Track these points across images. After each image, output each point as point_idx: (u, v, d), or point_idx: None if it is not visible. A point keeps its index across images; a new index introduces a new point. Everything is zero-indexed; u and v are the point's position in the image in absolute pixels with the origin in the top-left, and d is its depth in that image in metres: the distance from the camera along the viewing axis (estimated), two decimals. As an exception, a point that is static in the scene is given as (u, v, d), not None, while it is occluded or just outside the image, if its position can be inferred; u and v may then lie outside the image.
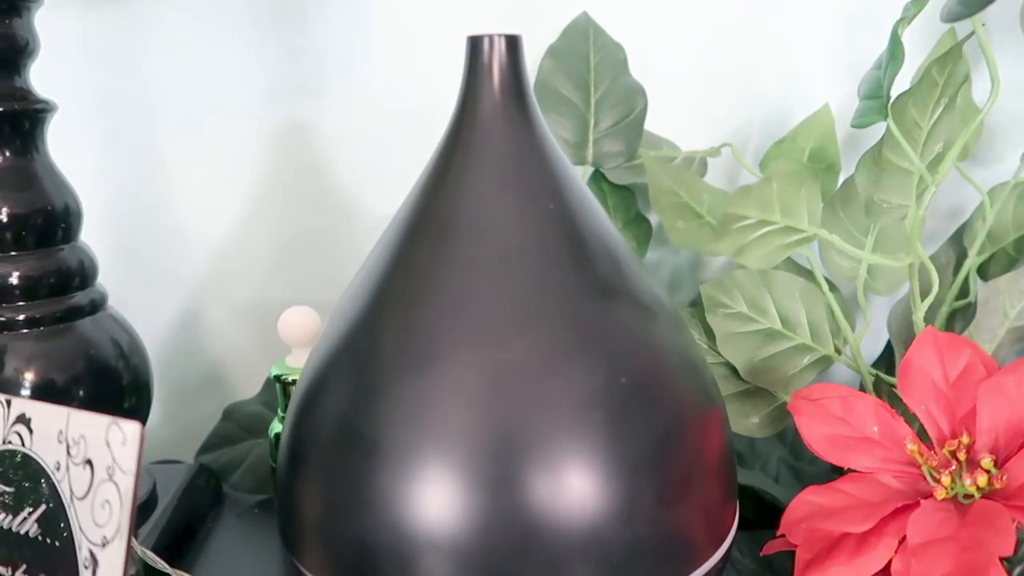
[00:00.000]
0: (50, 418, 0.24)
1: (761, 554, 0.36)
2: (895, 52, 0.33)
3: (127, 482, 0.23)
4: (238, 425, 0.48)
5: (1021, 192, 0.45)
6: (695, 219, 0.46)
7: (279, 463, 0.31)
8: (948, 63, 0.32)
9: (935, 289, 0.36)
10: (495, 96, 0.29)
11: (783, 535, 0.35)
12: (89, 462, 0.23)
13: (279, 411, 0.41)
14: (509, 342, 0.27)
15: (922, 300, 0.37)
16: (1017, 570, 0.38)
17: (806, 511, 0.31)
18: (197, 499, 0.43)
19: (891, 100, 0.34)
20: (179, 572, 0.30)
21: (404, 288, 0.29)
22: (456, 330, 0.27)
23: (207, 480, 0.44)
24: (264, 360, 0.51)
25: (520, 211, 0.29)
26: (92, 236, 0.39)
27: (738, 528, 0.50)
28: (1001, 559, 0.27)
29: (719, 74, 0.53)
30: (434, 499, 0.26)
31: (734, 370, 0.41)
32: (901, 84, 0.35)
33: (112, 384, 0.37)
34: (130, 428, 0.23)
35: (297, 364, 0.40)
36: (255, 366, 0.53)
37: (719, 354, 0.41)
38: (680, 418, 0.28)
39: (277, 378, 0.40)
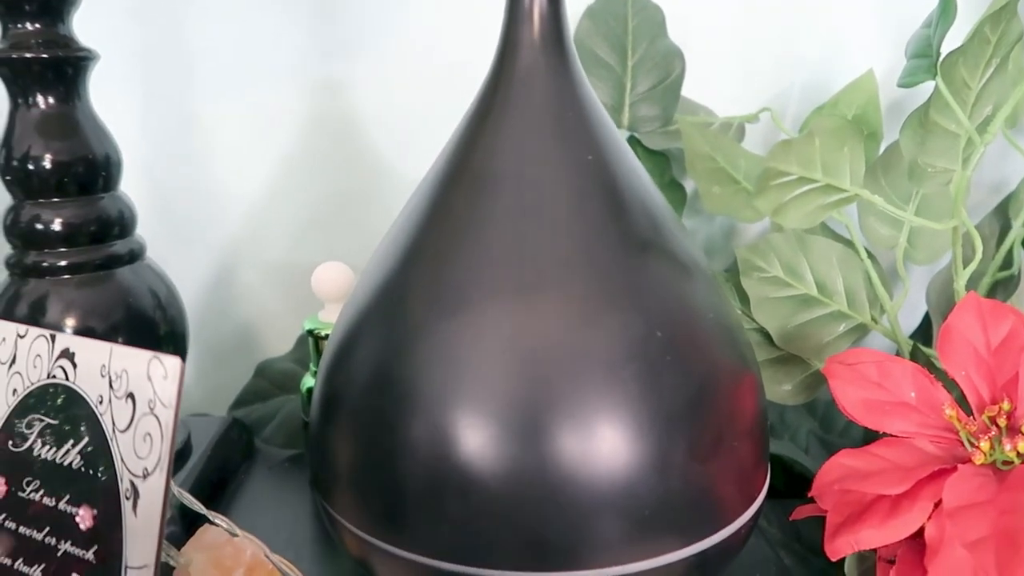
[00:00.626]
0: (93, 353, 0.25)
1: (790, 519, 0.36)
2: (947, 7, 0.32)
3: (168, 415, 0.23)
4: (270, 381, 0.48)
5: (1070, 162, 0.44)
6: (731, 184, 0.46)
7: (312, 412, 0.32)
8: (1002, 20, 0.31)
9: (978, 256, 0.35)
10: (535, 44, 0.29)
11: (813, 501, 0.35)
12: (131, 396, 0.24)
13: (311, 366, 0.41)
14: (544, 291, 0.27)
15: (964, 268, 0.36)
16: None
17: (839, 473, 0.31)
18: (230, 451, 0.44)
19: (940, 58, 0.33)
20: (214, 514, 0.30)
21: (439, 237, 0.29)
22: (491, 278, 0.27)
23: (239, 433, 0.45)
24: (296, 319, 0.52)
25: (558, 161, 0.28)
26: (127, 192, 0.40)
27: (766, 497, 0.50)
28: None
29: (759, 37, 0.52)
30: (465, 446, 0.26)
31: (768, 336, 0.41)
32: (951, 43, 0.34)
33: (150, 333, 0.38)
34: (171, 363, 0.23)
35: (330, 319, 0.40)
36: (287, 325, 0.54)
37: (753, 320, 0.40)
38: (715, 375, 0.28)
39: (310, 332, 0.40)
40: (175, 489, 0.31)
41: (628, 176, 0.30)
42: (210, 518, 0.30)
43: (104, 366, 0.24)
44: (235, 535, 0.30)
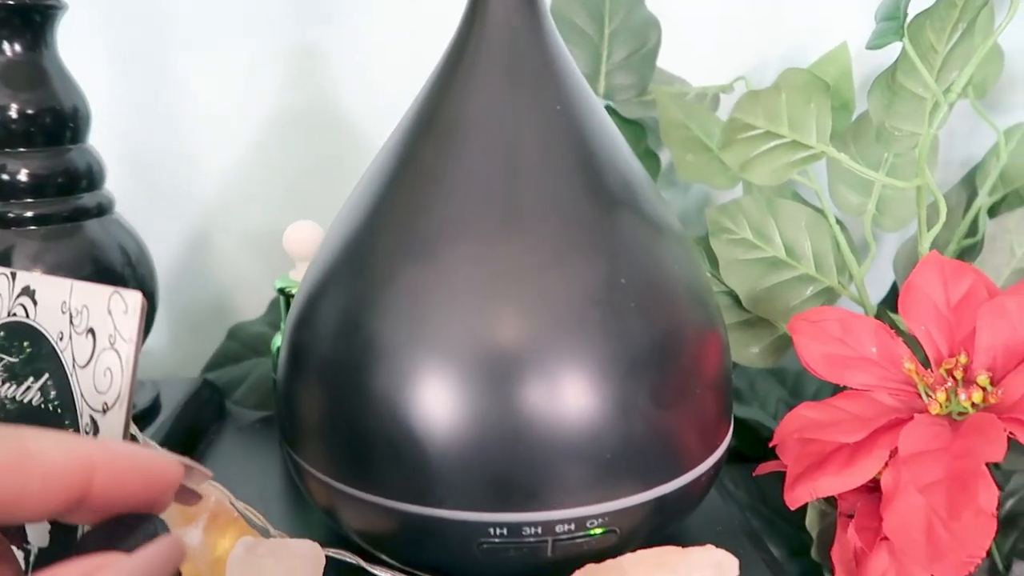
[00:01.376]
0: (54, 289, 0.25)
1: (754, 475, 0.37)
2: (913, -30, 0.33)
3: (128, 350, 0.23)
4: (242, 344, 0.48)
5: (1037, 133, 0.44)
6: (704, 152, 0.46)
7: (279, 364, 0.32)
8: (967, -17, 0.32)
9: (942, 219, 0.36)
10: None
11: (776, 458, 0.35)
12: (91, 331, 0.24)
13: (282, 325, 0.41)
14: (509, 237, 0.27)
15: (928, 231, 0.37)
16: (1009, 502, 0.39)
17: (799, 424, 0.31)
18: (200, 411, 0.44)
19: (908, 20, 0.33)
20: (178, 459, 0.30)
21: (407, 186, 0.29)
22: (457, 225, 0.27)
23: (210, 394, 0.45)
24: (270, 286, 0.52)
25: (526, 110, 0.29)
26: (101, 156, 0.40)
27: (734, 462, 0.51)
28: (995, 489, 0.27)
29: (736, 8, 0.52)
30: (430, 389, 0.26)
31: (736, 299, 0.41)
32: (921, 6, 0.34)
33: (118, 289, 0.37)
34: (131, 297, 0.23)
35: (300, 278, 0.40)
36: (263, 291, 0.53)
37: (722, 282, 0.41)
38: (679, 325, 0.28)
39: (281, 291, 0.40)
40: (139, 435, 0.31)
41: (597, 128, 0.30)
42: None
43: (65, 302, 0.24)
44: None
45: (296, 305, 0.31)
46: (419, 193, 0.28)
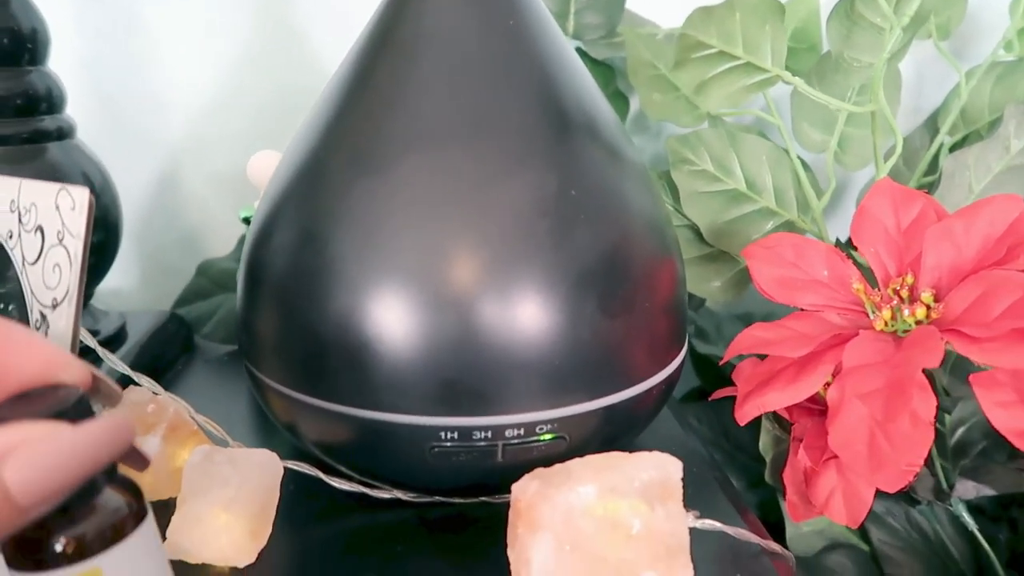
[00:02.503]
0: (2, 189, 0.25)
1: (708, 399, 0.37)
2: None
3: (76, 245, 0.23)
4: (211, 280, 0.48)
5: (999, 73, 0.45)
6: (672, 92, 0.46)
7: (239, 281, 0.32)
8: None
9: (899, 149, 0.36)
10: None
11: (732, 384, 0.36)
12: (40, 229, 0.24)
13: (248, 255, 0.42)
14: (459, 149, 0.27)
15: (885, 162, 0.37)
16: (959, 431, 0.40)
17: (750, 343, 0.32)
18: (166, 343, 0.44)
19: (866, -52, 0.34)
20: (137, 374, 0.30)
21: (361, 103, 0.29)
22: (408, 139, 0.28)
23: (178, 327, 0.45)
24: (241, 226, 0.52)
25: (479, 24, 0.29)
26: (69, 99, 0.39)
27: (697, 399, 0.52)
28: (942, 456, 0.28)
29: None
30: (383, 298, 0.26)
31: (697, 233, 0.42)
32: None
33: (81, 215, 0.37)
34: (79, 193, 0.23)
35: (266, 208, 0.40)
36: (231, 230, 0.54)
37: (683, 216, 0.41)
38: (630, 241, 0.29)
39: (246, 220, 0.40)
40: (101, 351, 0.31)
41: (554, 49, 0.30)
42: (133, 378, 0.30)
43: (13, 201, 0.24)
44: (157, 394, 0.30)
45: (254, 224, 0.31)
46: (372, 109, 0.29)
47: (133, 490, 0.18)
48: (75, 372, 0.19)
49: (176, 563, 0.27)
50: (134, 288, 0.55)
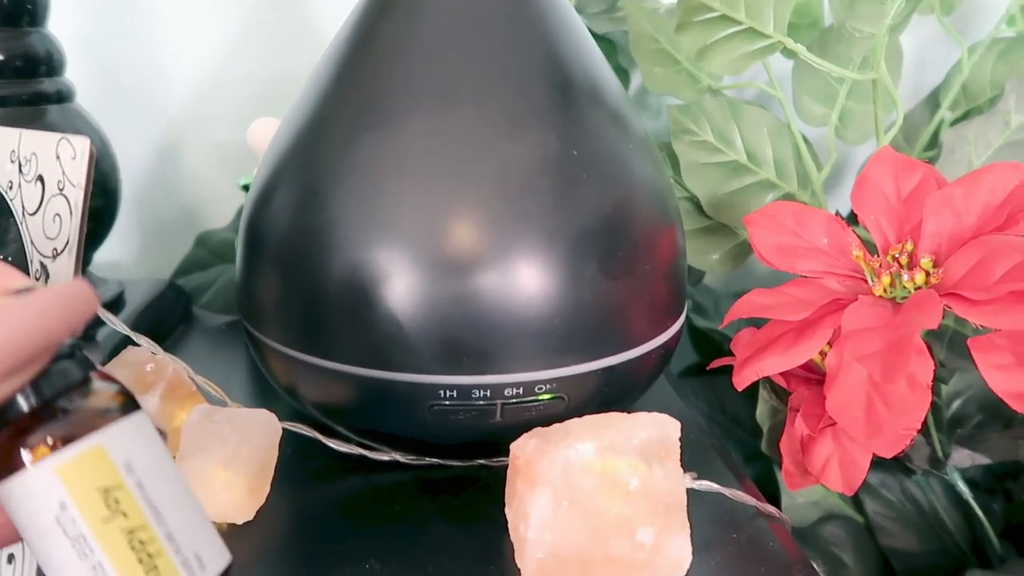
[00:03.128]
0: (2, 140, 0.25)
1: (707, 368, 0.37)
2: None
3: (77, 195, 0.23)
4: (210, 251, 0.48)
5: (1002, 49, 0.45)
6: (673, 65, 0.46)
7: (239, 243, 0.32)
8: None
9: (899, 120, 0.36)
10: None
11: (730, 352, 0.36)
12: (40, 178, 0.24)
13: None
14: (462, 106, 0.27)
15: (885, 133, 0.37)
16: (956, 403, 0.40)
17: (750, 308, 0.32)
18: (165, 311, 0.44)
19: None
20: (136, 334, 0.30)
21: (363, 62, 0.29)
22: (412, 94, 0.27)
23: (176, 297, 0.45)
24: (239, 194, 0.52)
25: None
26: (70, 64, 0.39)
27: (696, 374, 0.52)
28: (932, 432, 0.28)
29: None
30: (384, 256, 0.26)
31: (697, 205, 0.42)
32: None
33: (80, 179, 0.37)
34: (80, 143, 0.23)
35: (265, 176, 0.40)
36: (231, 201, 0.53)
37: (684, 187, 0.41)
38: (631, 202, 0.29)
39: (245, 187, 0.40)
40: (100, 311, 0.31)
41: (560, 16, 0.30)
42: (132, 338, 0.30)
43: (14, 151, 0.24)
44: (156, 354, 0.30)
45: (255, 185, 0.31)
46: (376, 69, 0.29)
47: (119, 386, 0.18)
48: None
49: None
50: (133, 259, 0.55)
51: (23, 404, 0.16)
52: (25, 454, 0.16)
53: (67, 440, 0.16)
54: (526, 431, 0.27)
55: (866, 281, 0.32)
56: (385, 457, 0.31)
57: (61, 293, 0.16)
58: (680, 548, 0.25)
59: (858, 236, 0.34)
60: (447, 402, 0.27)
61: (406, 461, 0.31)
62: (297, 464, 0.32)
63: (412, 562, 0.26)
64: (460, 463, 0.31)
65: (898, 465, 0.39)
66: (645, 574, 0.25)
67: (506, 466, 0.29)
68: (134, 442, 0.17)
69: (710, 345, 0.49)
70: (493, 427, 0.28)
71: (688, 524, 0.26)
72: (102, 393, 0.17)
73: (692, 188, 0.40)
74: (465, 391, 0.27)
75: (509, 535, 0.26)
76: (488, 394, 0.27)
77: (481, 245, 0.26)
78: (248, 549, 0.27)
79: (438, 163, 0.27)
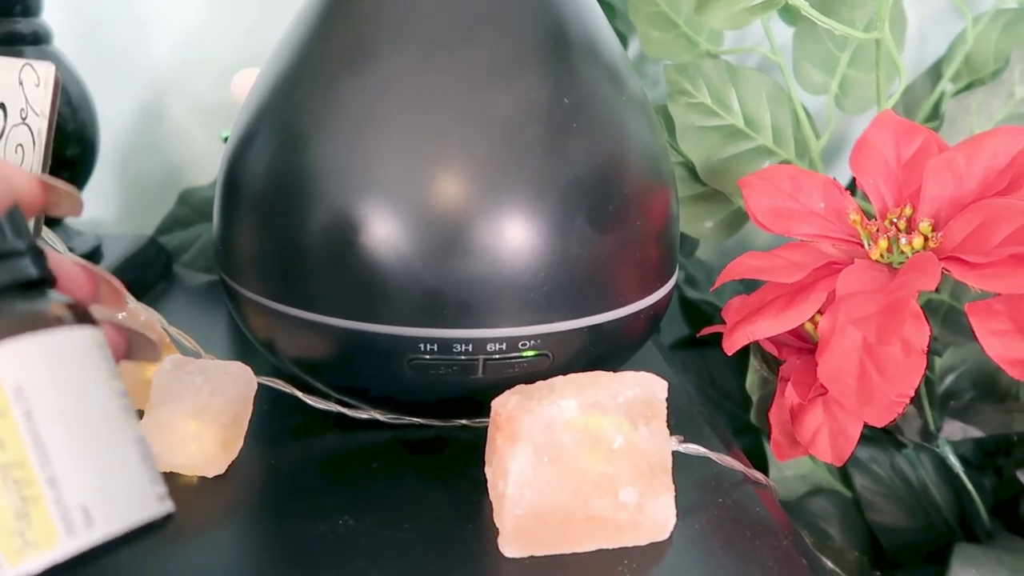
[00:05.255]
0: (-36, 66, 0.23)
1: (697, 335, 0.37)
2: None
3: (40, 123, 0.22)
4: (192, 209, 0.47)
5: (1006, 21, 0.44)
6: (671, 30, 0.45)
7: (216, 193, 0.31)
8: None
9: (903, 83, 0.35)
10: None
11: (722, 321, 0.35)
12: (2, 106, 0.23)
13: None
14: (450, 48, 0.26)
15: (888, 100, 0.36)
16: (949, 378, 0.39)
17: (742, 271, 0.31)
18: (144, 268, 0.43)
19: None
20: (109, 276, 0.29)
21: (348, 2, 0.28)
22: (397, 36, 0.26)
23: (156, 253, 0.44)
24: (223, 150, 0.51)
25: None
26: (51, 15, 0.38)
27: (686, 347, 0.51)
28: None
29: None
30: (366, 203, 0.25)
31: (692, 172, 0.41)
32: None
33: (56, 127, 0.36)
34: (44, 69, 0.22)
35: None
36: (214, 159, 0.52)
37: (680, 152, 0.40)
38: (623, 155, 0.28)
39: (227, 140, 0.39)
40: (70, 257, 0.30)
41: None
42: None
43: (-25, 78, 0.23)
44: (128, 303, 0.29)
45: (234, 133, 0.30)
46: (360, 10, 0.27)
47: (70, 305, 0.16)
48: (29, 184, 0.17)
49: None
50: (114, 218, 0.54)
51: None
52: None
53: None
54: (508, 388, 0.27)
55: (862, 245, 0.31)
56: (364, 415, 0.30)
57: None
58: (664, 510, 0.24)
59: (855, 201, 0.33)
60: (427, 356, 0.26)
61: (385, 420, 0.30)
62: (274, 421, 0.31)
63: (388, 519, 0.25)
64: (440, 423, 0.30)
65: (888, 439, 0.38)
66: (627, 534, 0.24)
67: (487, 427, 0.28)
68: (41, 366, 0.15)
69: (701, 316, 0.48)
70: (475, 384, 0.27)
71: (672, 486, 0.25)
72: (30, 307, 0.15)
73: (687, 152, 0.39)
74: (446, 345, 0.26)
75: (488, 494, 0.25)
76: (470, 349, 0.26)
77: (466, 193, 0.25)
78: (219, 504, 0.26)
79: (423, 107, 0.26)
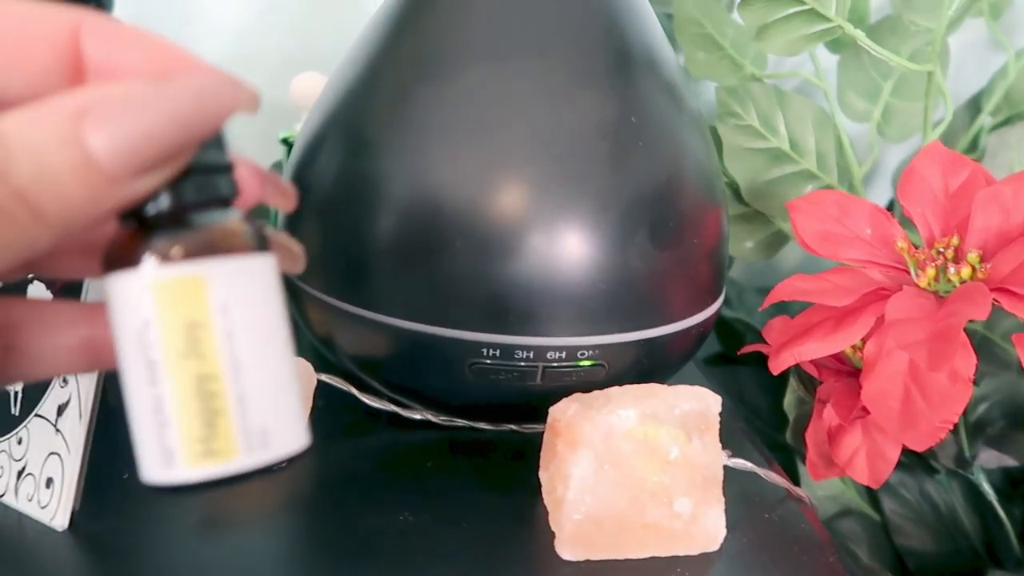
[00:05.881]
0: None
1: (738, 353, 0.37)
2: None
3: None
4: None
5: (1048, 58, 0.45)
6: (716, 51, 0.46)
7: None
8: None
9: (949, 116, 0.36)
10: None
11: (761, 339, 0.36)
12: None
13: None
14: (523, 63, 0.27)
15: (933, 129, 0.37)
16: (981, 407, 0.40)
17: (791, 292, 0.32)
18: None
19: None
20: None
21: (422, 15, 0.29)
22: (472, 49, 0.27)
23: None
24: (277, 149, 0.51)
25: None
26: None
27: (718, 364, 0.52)
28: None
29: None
30: (435, 209, 0.26)
31: (736, 191, 0.41)
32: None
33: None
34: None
35: (305, 131, 0.40)
36: (266, 160, 0.53)
37: (724, 172, 0.41)
38: (684, 175, 0.29)
39: (284, 140, 0.40)
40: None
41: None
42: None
43: None
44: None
45: (302, 135, 0.31)
46: (435, 23, 0.28)
47: (257, 228, 0.16)
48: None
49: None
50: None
51: (155, 205, 0.15)
52: (138, 255, 0.14)
53: (181, 256, 0.14)
54: (561, 398, 0.27)
55: (909, 273, 0.31)
56: (417, 416, 0.31)
57: (203, 84, 0.14)
58: (715, 521, 0.25)
59: (902, 229, 0.34)
60: (489, 361, 0.27)
61: (437, 421, 0.31)
62: (327, 417, 0.31)
63: (445, 517, 0.26)
64: (490, 427, 0.31)
65: (921, 464, 0.38)
66: (680, 543, 0.25)
67: (537, 433, 0.29)
68: (242, 288, 0.15)
69: (733, 334, 0.49)
70: (531, 391, 0.28)
71: (723, 499, 0.25)
72: (235, 227, 0.15)
73: (733, 173, 0.40)
74: (508, 351, 0.27)
75: (542, 499, 0.26)
76: (531, 356, 0.27)
77: (534, 204, 0.26)
78: (279, 495, 0.27)
79: (494, 119, 0.26)
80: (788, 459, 0.44)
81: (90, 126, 0.13)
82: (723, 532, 0.25)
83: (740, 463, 0.28)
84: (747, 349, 0.36)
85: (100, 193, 0.13)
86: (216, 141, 0.15)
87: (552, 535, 0.25)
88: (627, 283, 0.27)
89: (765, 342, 0.36)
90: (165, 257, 0.14)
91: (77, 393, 0.24)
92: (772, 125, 0.39)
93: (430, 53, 0.28)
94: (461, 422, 0.31)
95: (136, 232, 0.15)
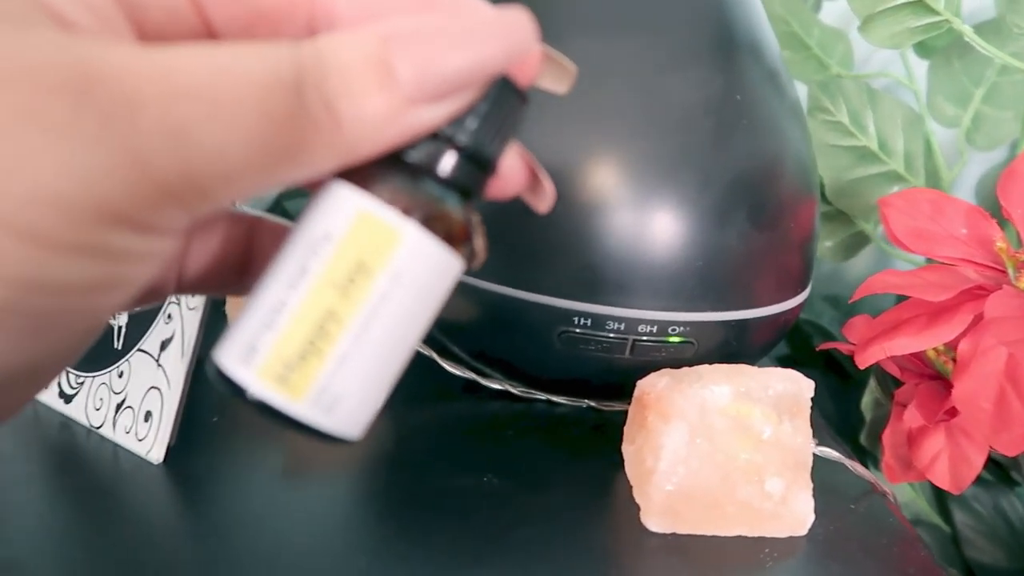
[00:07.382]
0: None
1: (817, 349, 0.37)
2: None
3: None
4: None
5: None
6: (802, 51, 0.45)
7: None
8: None
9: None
10: None
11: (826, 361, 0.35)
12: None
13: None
14: (630, 36, 0.27)
15: (1031, 136, 0.36)
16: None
17: (885, 286, 0.31)
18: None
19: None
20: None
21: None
22: (581, 21, 0.27)
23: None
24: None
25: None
26: None
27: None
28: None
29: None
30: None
31: (819, 190, 0.41)
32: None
33: None
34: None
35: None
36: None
37: (807, 170, 0.41)
38: (784, 160, 0.28)
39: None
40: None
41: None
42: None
43: None
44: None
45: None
46: (543, -5, 0.28)
47: (472, 227, 0.16)
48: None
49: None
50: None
51: (416, 153, 0.15)
52: (371, 182, 0.15)
53: (402, 209, 0.15)
54: (647, 374, 0.27)
55: (1006, 273, 0.31)
56: (497, 386, 0.31)
57: (503, 20, 0.15)
58: (805, 505, 0.25)
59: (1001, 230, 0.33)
60: (579, 330, 0.27)
61: (517, 392, 0.31)
62: (405, 383, 0.31)
63: (529, 483, 0.26)
64: (568, 401, 0.31)
65: (1000, 475, 0.37)
66: (768, 524, 0.24)
67: (615, 411, 0.28)
68: (423, 272, 0.15)
69: (802, 337, 0.48)
70: (617, 365, 0.28)
71: (811, 485, 0.25)
72: (459, 217, 0.15)
73: (820, 169, 0.40)
74: (600, 321, 0.27)
75: (624, 474, 0.26)
76: (622, 328, 0.27)
77: (635, 176, 0.26)
78: (358, 450, 0.27)
79: (600, 89, 0.26)
80: (860, 463, 0.43)
81: (397, 50, 0.14)
82: (811, 516, 0.25)
83: (827, 452, 0.27)
84: (826, 346, 0.36)
85: (394, 113, 0.14)
86: (498, 133, 0.16)
87: (636, 508, 0.25)
88: (723, 262, 0.27)
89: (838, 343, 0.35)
90: (391, 200, 0.15)
91: (181, 330, 0.24)
92: (861, 123, 0.39)
93: (539, 23, 0.28)
94: (540, 395, 0.31)
95: (385, 166, 0.15)
